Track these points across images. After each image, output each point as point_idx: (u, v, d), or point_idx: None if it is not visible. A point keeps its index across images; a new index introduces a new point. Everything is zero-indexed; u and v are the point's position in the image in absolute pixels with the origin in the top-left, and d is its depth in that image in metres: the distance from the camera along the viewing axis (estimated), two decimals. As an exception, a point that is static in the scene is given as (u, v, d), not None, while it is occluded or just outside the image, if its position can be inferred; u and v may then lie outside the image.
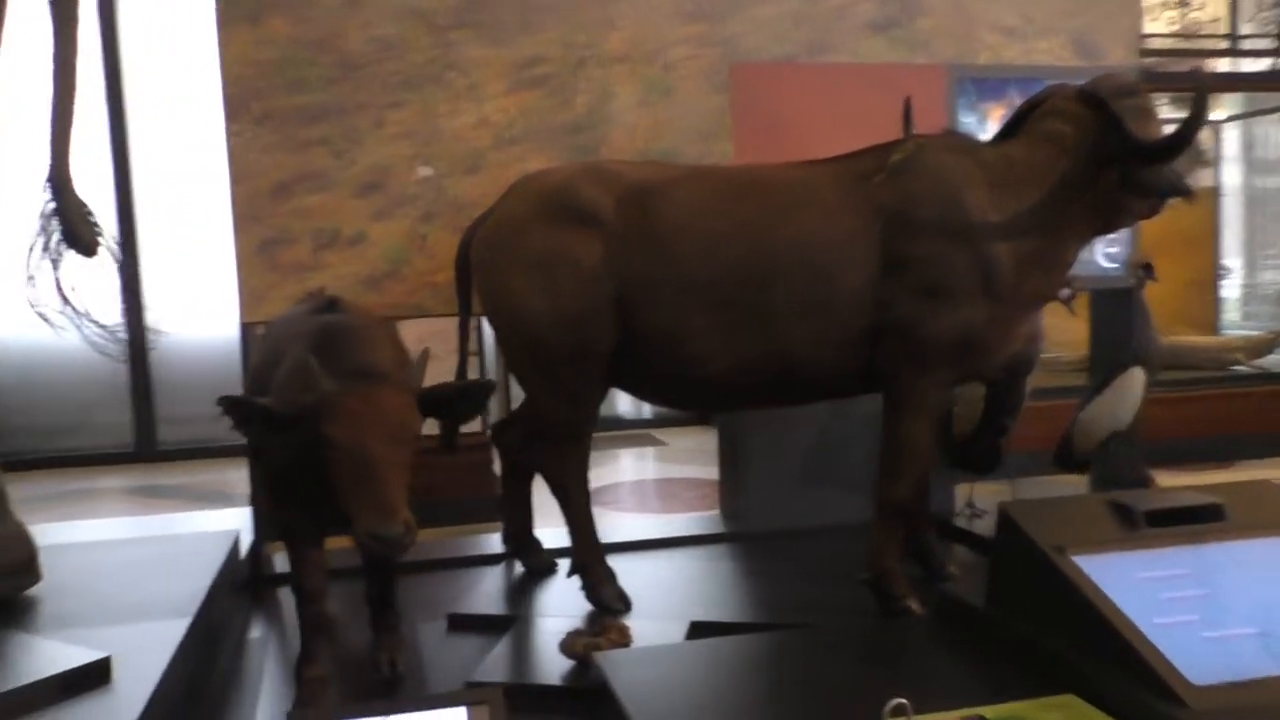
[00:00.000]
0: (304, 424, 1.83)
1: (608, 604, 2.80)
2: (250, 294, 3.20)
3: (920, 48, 3.70)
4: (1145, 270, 3.53)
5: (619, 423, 7.41)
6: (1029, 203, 2.65)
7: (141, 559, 2.75)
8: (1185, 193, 2.74)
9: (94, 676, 1.88)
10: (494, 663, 2.46)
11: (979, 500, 3.70)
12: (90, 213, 2.33)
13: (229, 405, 1.81)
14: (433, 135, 3.29)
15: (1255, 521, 2.19)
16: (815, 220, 2.62)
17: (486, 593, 3.08)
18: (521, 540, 3.23)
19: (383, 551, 1.81)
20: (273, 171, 3.19)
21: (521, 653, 2.54)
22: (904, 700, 1.71)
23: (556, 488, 2.87)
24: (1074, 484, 3.91)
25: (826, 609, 2.73)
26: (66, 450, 7.01)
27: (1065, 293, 3.45)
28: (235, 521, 3.39)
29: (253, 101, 3.17)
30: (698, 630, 2.64)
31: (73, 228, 2.27)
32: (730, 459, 3.80)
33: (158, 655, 1.99)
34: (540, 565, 3.19)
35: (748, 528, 3.60)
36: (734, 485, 3.76)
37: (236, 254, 3.18)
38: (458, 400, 1.99)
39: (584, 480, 2.85)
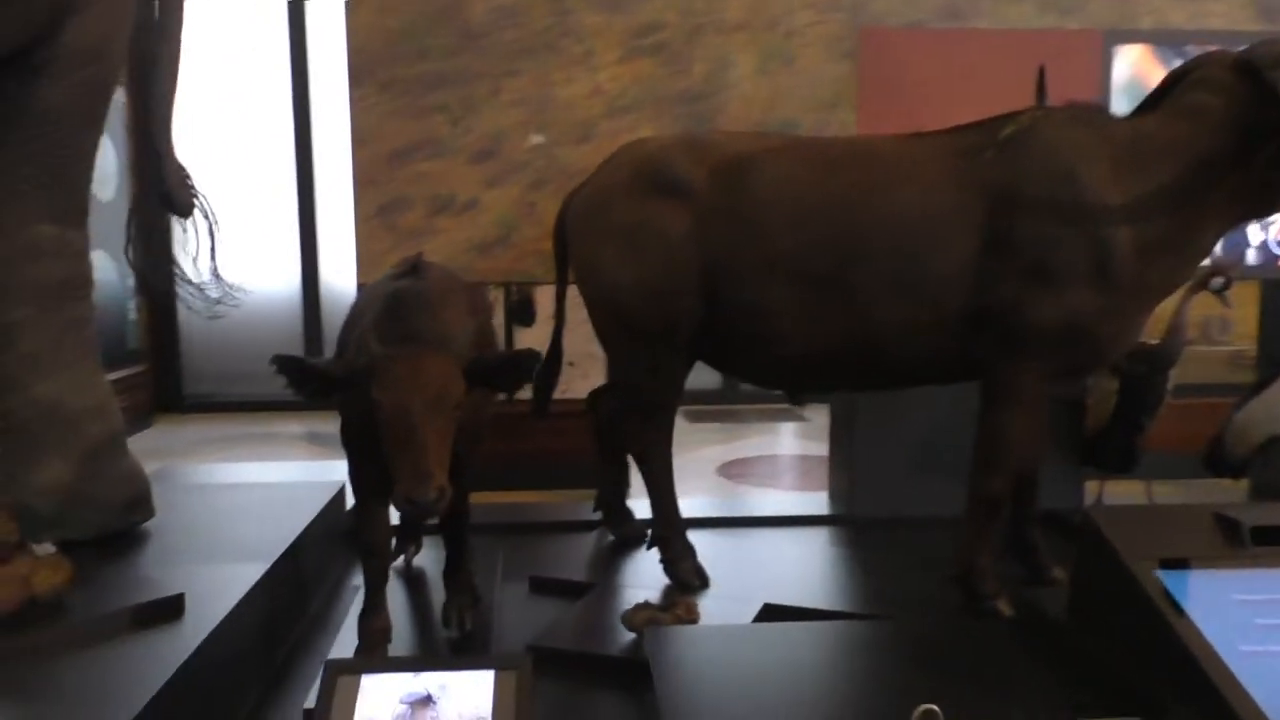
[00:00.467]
0: (357, 386, 1.88)
1: (684, 579, 2.77)
2: (367, 256, 3.33)
3: (1073, 11, 3.42)
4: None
5: (760, 396, 7.33)
6: (1158, 182, 2.41)
7: (251, 503, 2.92)
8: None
9: (168, 611, 2.01)
10: (559, 629, 2.48)
11: (1110, 501, 3.43)
12: (188, 176, 2.48)
13: (282, 364, 1.88)
14: (546, 103, 3.31)
15: None
16: (911, 196, 2.47)
17: (574, 558, 3.10)
18: (613, 508, 3.24)
19: (414, 515, 1.85)
20: (392, 138, 3.29)
21: (589, 621, 2.55)
22: (934, 707, 1.61)
23: (638, 458, 2.86)
24: (1226, 489, 3.58)
25: (910, 602, 2.61)
26: (251, 396, 7.58)
27: (1218, 281, 3.15)
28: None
29: (377, 69, 3.27)
30: (769, 613, 2.57)
31: (171, 191, 2.43)
32: (840, 439, 3.67)
33: (230, 595, 2.11)
34: (631, 534, 3.19)
35: (852, 512, 3.48)
36: (842, 467, 3.64)
37: (355, 217, 3.31)
38: (506, 369, 2.00)
39: (666, 452, 2.82)
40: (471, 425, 2.19)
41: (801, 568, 3.04)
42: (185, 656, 1.82)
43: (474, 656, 1.95)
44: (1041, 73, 2.90)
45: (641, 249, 2.62)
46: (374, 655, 2.19)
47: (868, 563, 3.04)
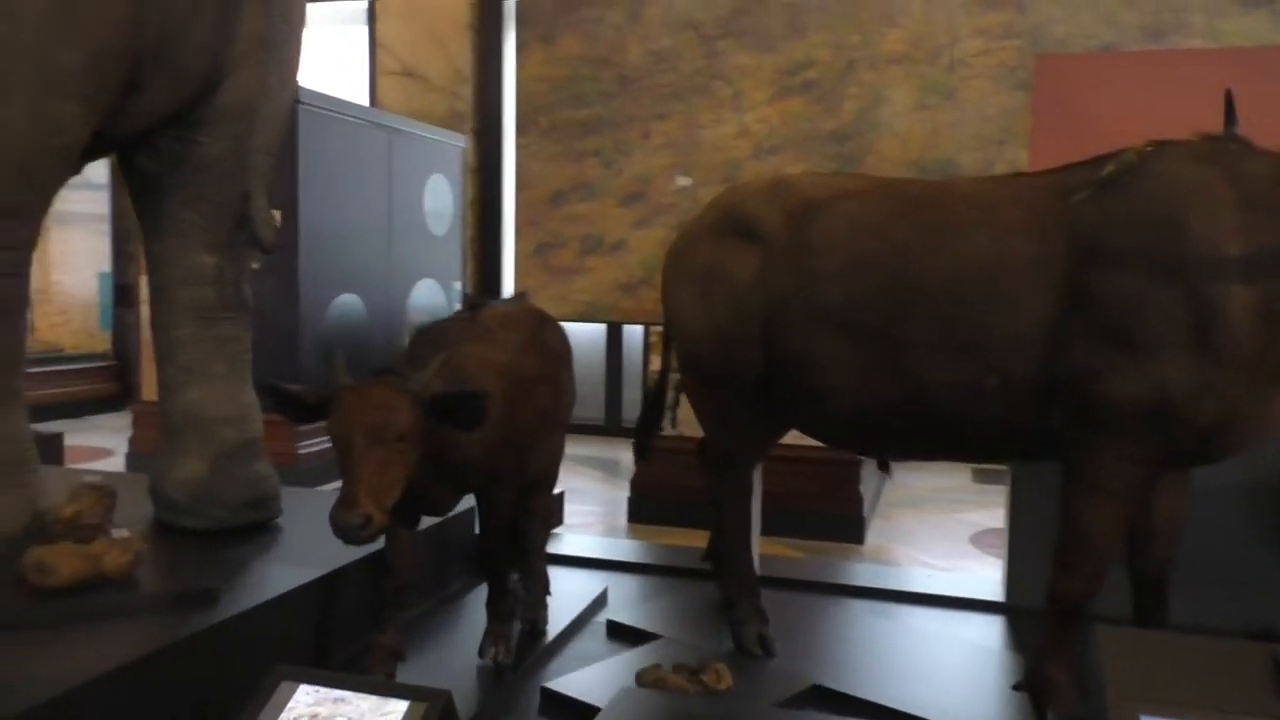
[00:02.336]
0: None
1: (745, 646, 2.60)
2: (526, 292, 3.51)
3: (1318, 22, 2.81)
4: None
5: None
6: (1297, 232, 1.92)
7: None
8: None
9: (203, 599, 2.27)
10: (576, 674, 2.45)
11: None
12: (272, 217, 2.77)
13: (268, 390, 2.06)
14: (693, 145, 3.30)
15: None
16: (979, 242, 2.16)
17: (674, 605, 3.04)
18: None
19: (339, 537, 1.93)
20: (552, 180, 3.46)
21: (615, 671, 2.49)
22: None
23: (711, 512, 2.74)
24: None
25: (990, 709, 2.27)
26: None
27: None
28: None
29: (541, 116, 3.46)
30: (813, 696, 2.36)
31: (257, 229, 2.73)
32: (1018, 518, 3.25)
33: (261, 593, 2.34)
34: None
35: (1016, 601, 3.06)
36: (1017, 550, 3.21)
37: (515, 255, 3.51)
38: (459, 406, 2.03)
39: (742, 508, 2.68)
40: (511, 456, 2.28)
41: (902, 653, 2.73)
42: (185, 635, 2.06)
43: (394, 684, 1.99)
44: (1229, 98, 2.42)
45: (712, 294, 2.53)
46: (378, 671, 2.31)
47: (980, 656, 2.66)
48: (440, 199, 8.42)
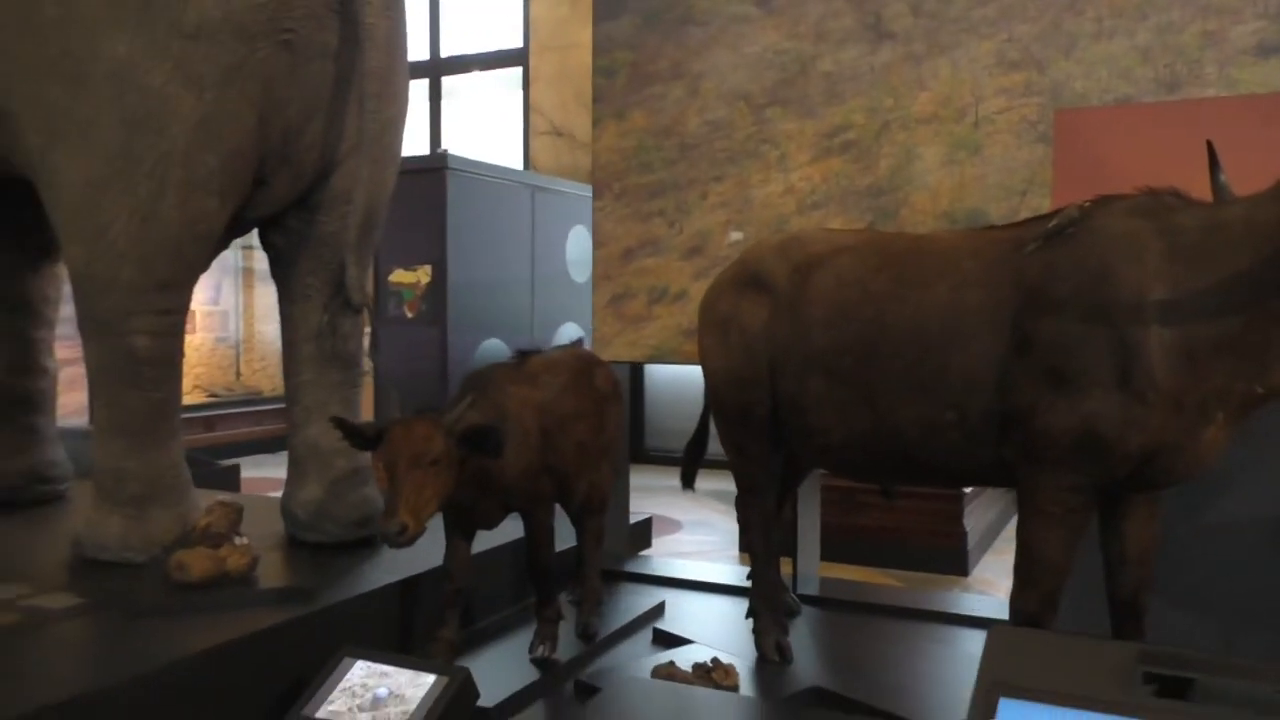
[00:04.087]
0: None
1: (765, 654, 2.91)
2: (600, 339, 3.94)
3: (1333, 66, 2.88)
4: None
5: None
6: (1222, 276, 2.10)
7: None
8: None
9: (300, 596, 2.79)
10: (609, 670, 2.83)
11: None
12: (365, 284, 3.29)
13: (336, 423, 2.55)
14: (745, 204, 3.64)
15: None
16: (943, 292, 2.42)
17: (711, 619, 3.36)
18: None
19: (383, 541, 2.38)
20: (624, 239, 3.87)
21: (645, 669, 2.84)
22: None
23: (741, 534, 3.05)
24: None
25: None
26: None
27: None
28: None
29: (614, 182, 3.89)
30: (812, 697, 2.64)
31: (350, 293, 3.26)
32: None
33: (350, 590, 2.85)
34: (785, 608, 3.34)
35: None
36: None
37: (594, 305, 3.94)
38: (479, 439, 2.45)
39: (765, 532, 2.98)
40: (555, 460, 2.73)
41: (932, 667, 2.95)
42: (282, 621, 2.58)
43: (426, 661, 2.43)
44: (1211, 147, 2.59)
45: (730, 339, 2.88)
46: (436, 658, 2.75)
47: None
48: (581, 249, 8.99)
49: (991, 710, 1.75)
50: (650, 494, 7.34)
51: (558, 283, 8.22)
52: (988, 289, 2.37)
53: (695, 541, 6.19)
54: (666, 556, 5.15)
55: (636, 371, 9.00)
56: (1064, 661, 1.81)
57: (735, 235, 3.67)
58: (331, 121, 3.24)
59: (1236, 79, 2.98)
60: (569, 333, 8.35)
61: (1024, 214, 3.19)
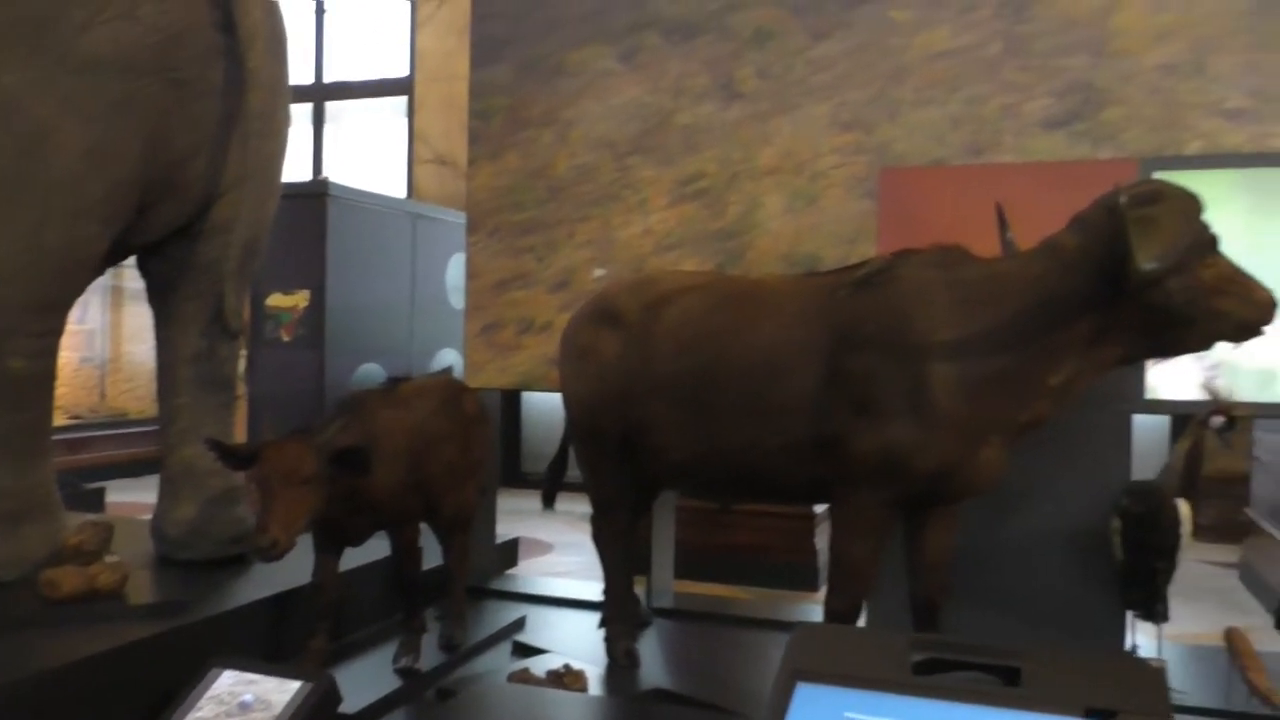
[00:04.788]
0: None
1: (614, 659, 3.17)
2: (473, 365, 4.16)
3: (1106, 141, 3.34)
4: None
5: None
6: (994, 320, 2.48)
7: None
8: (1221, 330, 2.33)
9: (173, 610, 2.92)
10: (468, 677, 3.05)
11: (1144, 645, 3.18)
12: (241, 311, 3.48)
13: (210, 445, 2.72)
14: (608, 243, 3.94)
15: (1045, 696, 1.93)
16: (770, 330, 2.75)
17: (569, 631, 3.61)
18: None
19: (254, 556, 2.56)
20: (496, 272, 4.12)
21: (499, 676, 3.06)
22: None
23: (596, 549, 3.32)
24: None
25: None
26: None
27: (1217, 420, 2.92)
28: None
29: (488, 219, 4.14)
30: (653, 696, 2.92)
31: (226, 320, 3.43)
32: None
33: (221, 605, 2.98)
34: (637, 619, 3.61)
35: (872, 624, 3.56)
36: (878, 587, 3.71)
37: (466, 334, 4.16)
38: (348, 459, 2.65)
39: (618, 545, 3.25)
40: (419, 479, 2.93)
41: (753, 668, 3.26)
42: (152, 634, 2.70)
43: (292, 668, 2.60)
44: (999, 209, 2.99)
45: (586, 368, 3.15)
46: (305, 666, 2.91)
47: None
48: (461, 276, 9.12)
49: (789, 694, 2.04)
50: (525, 517, 7.52)
51: (437, 308, 8.36)
52: (807, 328, 2.70)
53: (565, 562, 6.42)
54: (536, 576, 5.37)
55: (513, 399, 9.19)
56: (853, 651, 2.11)
57: (599, 272, 3.95)
58: (216, 155, 3.39)
59: (1029, 147, 3.43)
60: (447, 358, 8.49)
61: (854, 259, 3.55)
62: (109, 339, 11.23)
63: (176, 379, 3.57)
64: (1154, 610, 3.09)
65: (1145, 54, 3.28)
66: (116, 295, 11.16)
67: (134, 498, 8.12)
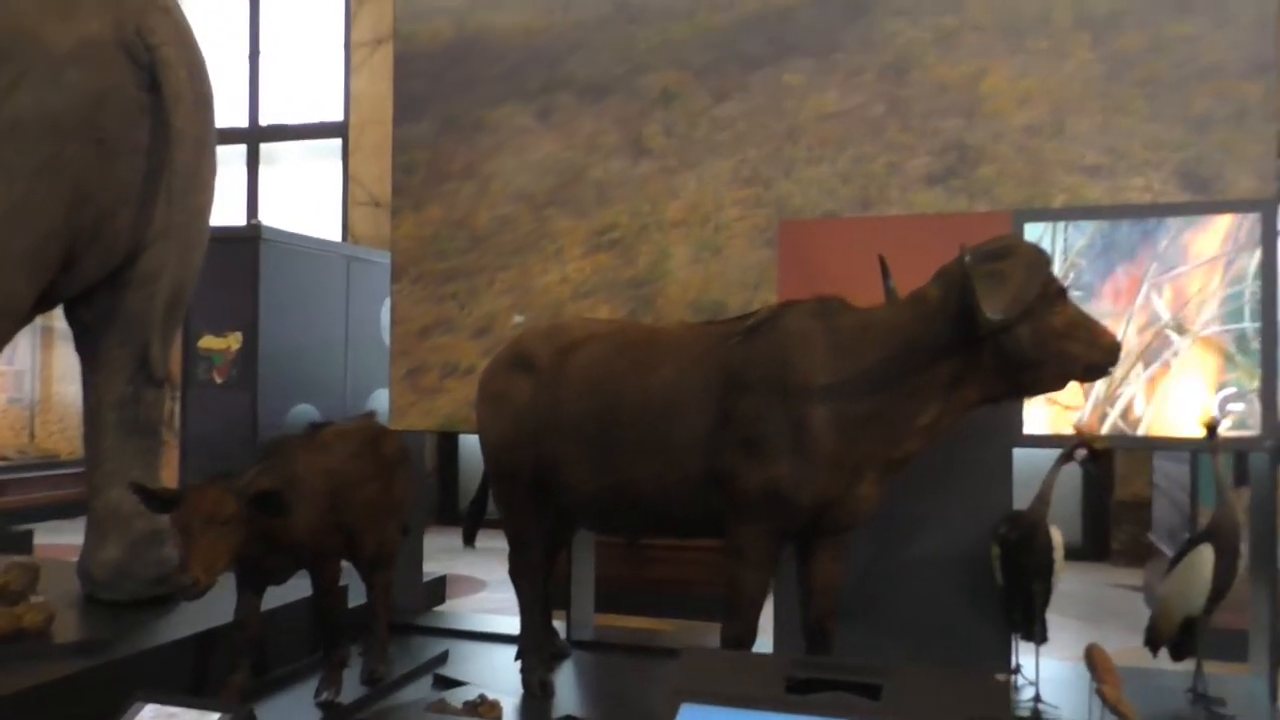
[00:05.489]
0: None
1: (529, 690, 3.33)
2: (397, 408, 4.32)
3: (981, 196, 3.64)
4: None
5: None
6: (863, 365, 2.71)
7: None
8: (1063, 369, 2.59)
9: (94, 648, 3.02)
10: (391, 710, 3.18)
11: (1027, 669, 3.41)
12: (166, 359, 3.61)
13: (134, 488, 2.84)
14: (527, 290, 4.14)
15: (900, 710, 2.14)
16: (668, 374, 2.96)
17: (489, 665, 3.75)
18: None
19: (177, 595, 2.69)
20: (420, 318, 4.29)
21: (418, 708, 3.20)
22: None
23: (513, 584, 3.48)
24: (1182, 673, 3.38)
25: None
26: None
27: (1081, 453, 3.17)
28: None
29: (412, 267, 4.32)
30: (564, 722, 3.09)
31: (153, 366, 3.56)
32: (781, 584, 3.96)
33: (144, 643, 3.09)
34: (554, 651, 3.76)
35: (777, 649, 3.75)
36: (781, 613, 3.91)
37: (391, 378, 4.32)
38: (267, 501, 2.80)
39: (533, 580, 3.42)
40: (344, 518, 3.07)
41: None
42: (76, 670, 2.81)
43: (211, 700, 2.72)
44: (882, 260, 3.23)
45: (501, 411, 3.33)
46: (230, 705, 3.03)
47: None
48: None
49: (674, 713, 2.23)
50: (461, 554, 7.62)
51: (371, 350, 8.47)
52: (702, 372, 2.92)
53: (497, 599, 6.53)
54: (467, 612, 5.49)
55: (450, 439, 9.30)
56: (734, 673, 2.31)
57: (518, 318, 4.14)
58: (141, 209, 3.53)
59: (913, 201, 3.71)
60: (382, 398, 8.58)
61: (756, 304, 3.80)
62: (39, 380, 11.12)
63: (103, 423, 3.67)
64: (1033, 631, 3.33)
65: (1012, 116, 3.59)
66: (47, 336, 11.07)
67: (64, 539, 8.07)
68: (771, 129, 3.86)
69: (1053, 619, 3.39)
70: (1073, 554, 7.81)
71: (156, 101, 3.45)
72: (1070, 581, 6.80)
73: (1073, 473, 7.89)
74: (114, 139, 3.35)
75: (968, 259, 2.62)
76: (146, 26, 3.36)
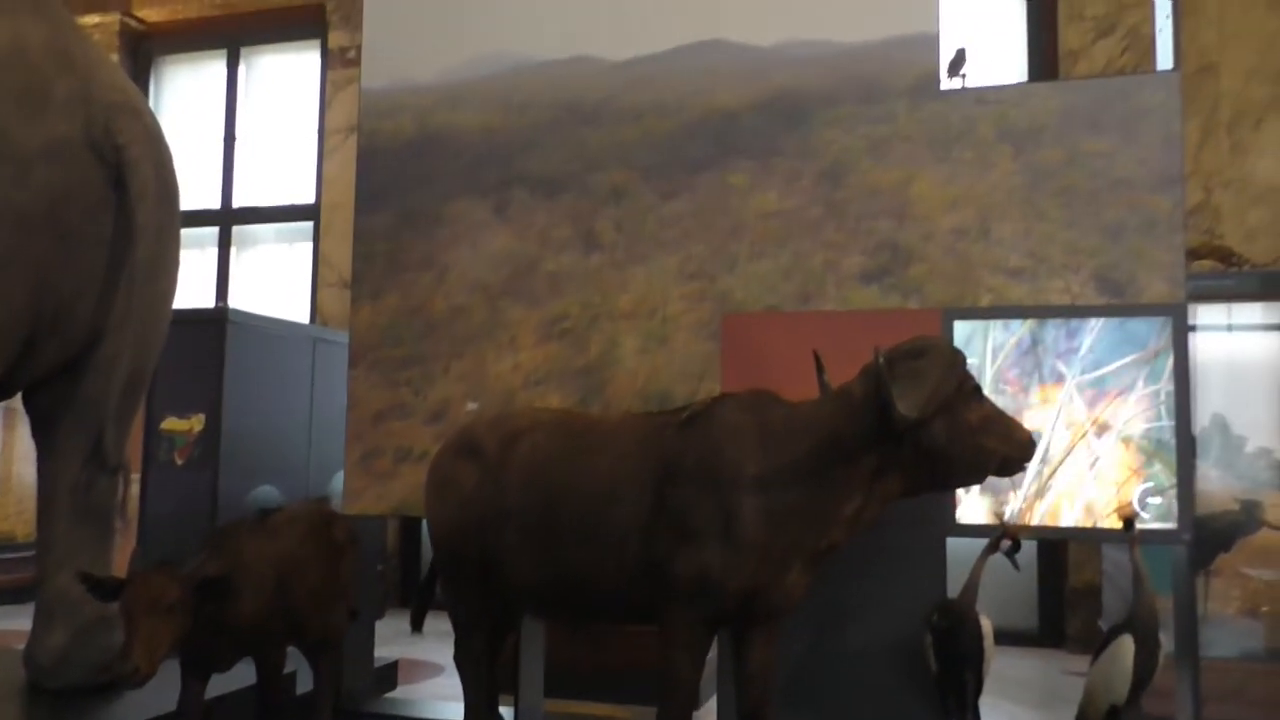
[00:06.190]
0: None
1: (472, 773, 3.35)
2: (351, 492, 4.38)
3: (913, 293, 3.81)
4: (1008, 541, 3.17)
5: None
6: (789, 457, 2.84)
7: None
8: (971, 469, 2.73)
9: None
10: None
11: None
12: (122, 446, 3.68)
13: (82, 577, 2.90)
14: (481, 377, 4.26)
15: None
16: (606, 462, 3.07)
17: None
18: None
19: (117, 682, 2.73)
20: (374, 404, 4.39)
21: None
22: None
23: (457, 670, 3.52)
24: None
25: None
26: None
27: (1006, 544, 3.30)
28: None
29: (368, 353, 4.43)
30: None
31: (106, 451, 3.63)
32: (723, 675, 4.01)
33: None
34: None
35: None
36: (724, 705, 3.97)
37: (346, 462, 4.39)
38: (211, 587, 2.86)
39: (475, 669, 3.46)
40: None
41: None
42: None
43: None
44: (816, 355, 3.38)
45: (448, 497, 3.41)
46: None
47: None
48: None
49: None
50: (420, 639, 7.59)
51: (336, 430, 8.48)
52: (639, 461, 3.03)
53: (452, 685, 6.49)
54: (423, 698, 5.47)
55: (414, 523, 9.30)
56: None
57: (472, 405, 4.25)
58: (101, 297, 3.64)
59: (849, 297, 3.88)
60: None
61: (701, 394, 3.94)
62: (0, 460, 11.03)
63: (55, 509, 3.72)
64: (964, 716, 3.41)
65: (940, 219, 3.80)
66: (9, 417, 11.01)
67: (18, 625, 7.95)
68: (715, 227, 4.05)
69: (1006, 706, 3.48)
70: (1028, 640, 7.92)
71: (122, 197, 3.58)
72: (1025, 668, 6.88)
73: (1030, 559, 7.98)
74: (78, 232, 3.47)
75: (881, 360, 2.78)
76: (115, 127, 3.51)
